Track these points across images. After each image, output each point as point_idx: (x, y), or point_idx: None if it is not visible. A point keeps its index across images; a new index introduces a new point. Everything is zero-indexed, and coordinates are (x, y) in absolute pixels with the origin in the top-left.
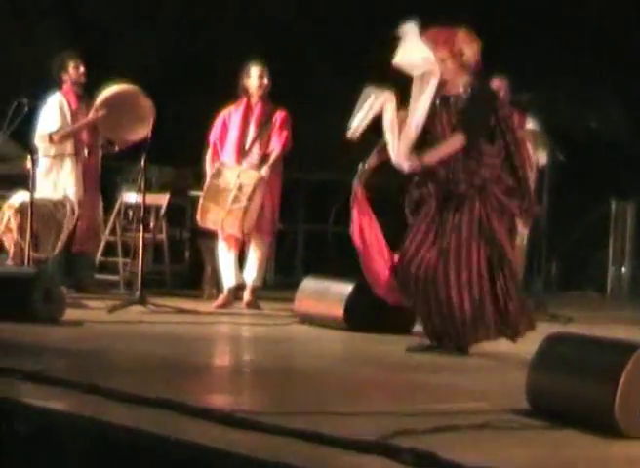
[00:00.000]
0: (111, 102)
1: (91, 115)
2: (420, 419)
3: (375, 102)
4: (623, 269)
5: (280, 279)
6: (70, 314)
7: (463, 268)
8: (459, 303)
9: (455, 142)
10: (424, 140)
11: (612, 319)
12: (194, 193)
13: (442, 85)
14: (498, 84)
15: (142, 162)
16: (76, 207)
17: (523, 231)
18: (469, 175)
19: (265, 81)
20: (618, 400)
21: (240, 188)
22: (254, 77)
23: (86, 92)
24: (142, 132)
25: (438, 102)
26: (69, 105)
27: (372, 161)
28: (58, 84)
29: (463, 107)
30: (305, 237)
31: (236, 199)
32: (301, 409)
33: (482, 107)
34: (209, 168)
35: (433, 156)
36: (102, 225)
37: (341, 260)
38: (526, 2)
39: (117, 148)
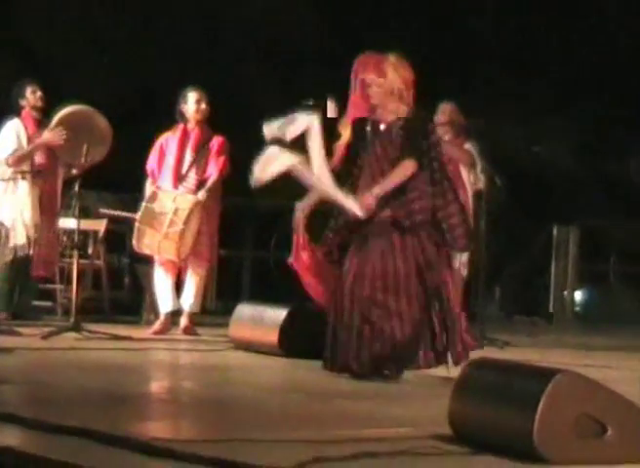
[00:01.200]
0: (67, 123)
1: (46, 134)
2: (340, 446)
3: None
4: (566, 294)
5: (226, 305)
6: (3, 341)
7: (401, 296)
8: (398, 331)
9: (407, 170)
10: (351, 172)
11: (553, 344)
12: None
13: (372, 110)
14: (444, 107)
15: (77, 187)
16: (30, 230)
17: (462, 256)
18: (399, 203)
19: (203, 106)
20: (537, 426)
21: (176, 212)
22: (191, 102)
23: (45, 117)
24: (101, 153)
25: (369, 129)
26: (26, 130)
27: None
28: (16, 111)
29: (403, 137)
30: (252, 263)
31: (172, 223)
32: (225, 437)
33: (419, 130)
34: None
35: (385, 186)
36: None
37: (284, 286)
38: (475, 31)
39: (76, 171)
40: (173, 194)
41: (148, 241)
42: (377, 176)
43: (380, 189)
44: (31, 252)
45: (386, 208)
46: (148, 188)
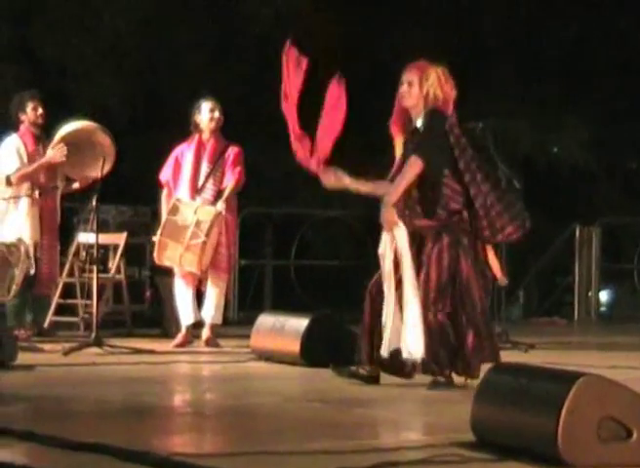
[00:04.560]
0: (69, 139)
1: (49, 153)
2: (362, 456)
3: None
4: (591, 294)
5: (248, 315)
6: (24, 358)
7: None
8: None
9: (411, 168)
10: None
11: (578, 345)
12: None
13: (406, 111)
14: None
15: (94, 201)
16: (31, 249)
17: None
18: (432, 206)
19: (217, 114)
20: (560, 430)
21: (198, 224)
22: (205, 112)
23: (44, 133)
24: (104, 168)
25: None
26: (26, 147)
27: None
28: (15, 124)
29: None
30: (273, 272)
31: (194, 235)
32: (247, 450)
33: (431, 127)
34: (164, 207)
35: (394, 193)
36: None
37: (306, 294)
38: (488, 32)
39: (79, 186)
40: (194, 206)
41: (170, 253)
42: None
43: (390, 197)
44: (32, 271)
45: (421, 216)
46: (164, 200)
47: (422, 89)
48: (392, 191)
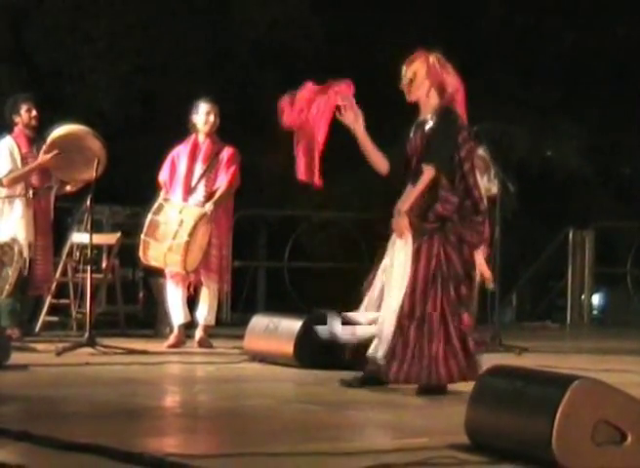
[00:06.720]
0: (60, 144)
1: (40, 157)
2: (356, 458)
3: None
4: (583, 298)
5: (242, 316)
6: (17, 358)
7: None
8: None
9: (425, 178)
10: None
11: (571, 349)
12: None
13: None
14: None
15: (88, 202)
16: (25, 250)
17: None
18: (425, 210)
19: (211, 118)
20: (555, 433)
21: (181, 224)
22: (201, 114)
23: (38, 135)
24: (94, 172)
25: (413, 128)
26: (19, 149)
27: None
28: (9, 126)
29: (429, 135)
30: (266, 273)
31: (176, 235)
32: (240, 451)
33: (447, 133)
34: None
35: (407, 202)
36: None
37: (299, 296)
38: (487, 35)
39: (71, 189)
40: (179, 206)
41: (153, 253)
42: (411, 171)
43: (402, 205)
44: (26, 272)
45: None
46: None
47: (423, 82)
48: (405, 200)
